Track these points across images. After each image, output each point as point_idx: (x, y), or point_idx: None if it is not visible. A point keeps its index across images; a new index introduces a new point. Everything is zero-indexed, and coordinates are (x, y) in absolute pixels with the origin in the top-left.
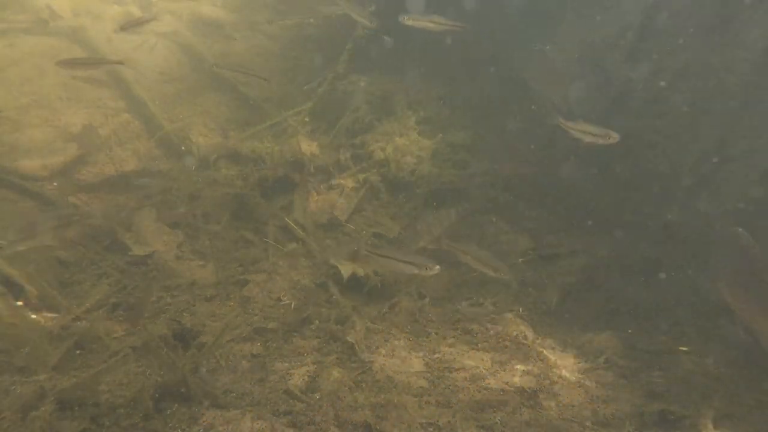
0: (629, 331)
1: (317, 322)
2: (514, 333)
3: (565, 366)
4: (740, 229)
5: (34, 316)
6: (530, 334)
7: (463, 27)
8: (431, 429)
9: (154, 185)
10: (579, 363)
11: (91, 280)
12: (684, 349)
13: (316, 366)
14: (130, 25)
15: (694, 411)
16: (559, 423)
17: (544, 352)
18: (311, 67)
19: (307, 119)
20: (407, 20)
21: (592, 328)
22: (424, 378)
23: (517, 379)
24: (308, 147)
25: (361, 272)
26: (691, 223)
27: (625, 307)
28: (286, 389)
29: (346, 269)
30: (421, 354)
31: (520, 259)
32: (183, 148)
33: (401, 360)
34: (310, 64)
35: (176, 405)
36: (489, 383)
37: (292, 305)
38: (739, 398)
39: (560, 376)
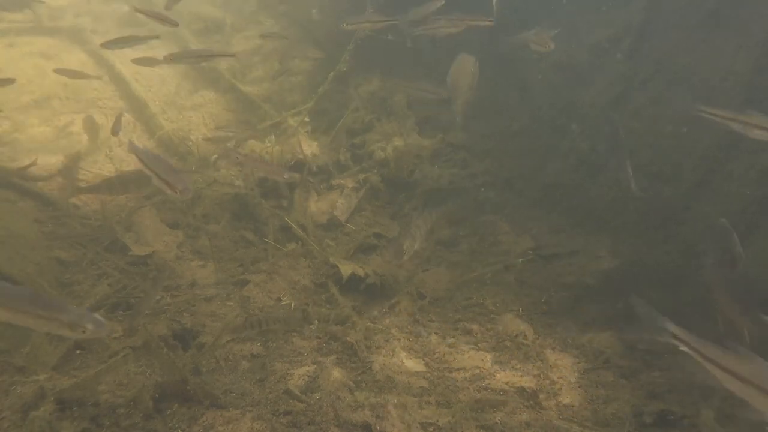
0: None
1: (317, 322)
2: (514, 333)
3: (565, 366)
4: (723, 221)
5: None
6: (530, 334)
7: (397, 20)
8: (431, 429)
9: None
10: (579, 363)
11: (91, 280)
12: (684, 349)
13: (315, 366)
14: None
15: (694, 411)
16: (559, 423)
17: (545, 351)
18: (312, 67)
19: (307, 119)
20: (347, 26)
21: (592, 328)
22: (424, 378)
23: (517, 379)
24: (308, 147)
25: (361, 272)
26: (691, 223)
27: (625, 307)
28: (286, 389)
29: (346, 269)
30: (421, 354)
31: (520, 260)
32: (190, 143)
33: (401, 360)
34: (311, 63)
35: (176, 405)
36: (489, 383)
37: (292, 305)
38: (738, 398)
39: (560, 376)
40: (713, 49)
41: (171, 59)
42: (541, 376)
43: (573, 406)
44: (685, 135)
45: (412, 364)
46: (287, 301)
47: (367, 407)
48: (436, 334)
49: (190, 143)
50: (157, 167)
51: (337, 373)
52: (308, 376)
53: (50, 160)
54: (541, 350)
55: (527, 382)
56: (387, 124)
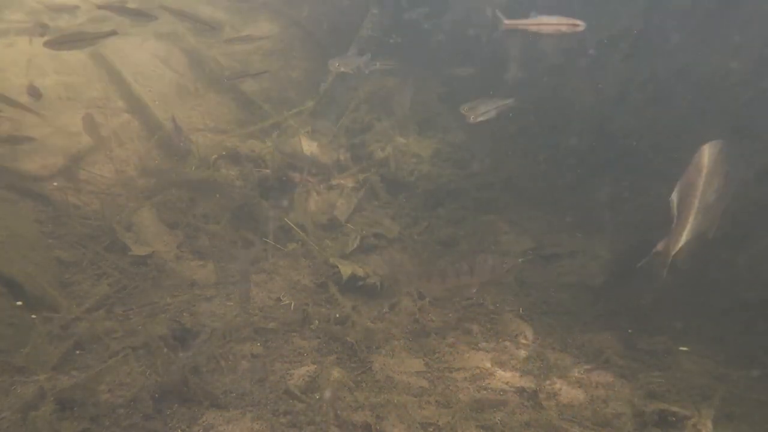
0: (629, 331)
1: (317, 322)
2: (514, 333)
3: (565, 366)
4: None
5: (33, 316)
6: (530, 334)
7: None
8: (431, 429)
9: None
10: (579, 363)
11: (91, 280)
12: (684, 349)
13: (316, 366)
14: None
15: (694, 411)
16: (559, 423)
17: (545, 351)
18: (312, 67)
19: (307, 119)
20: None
21: (592, 328)
22: (424, 378)
23: (517, 379)
24: (308, 147)
25: (360, 272)
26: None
27: (624, 308)
28: (286, 389)
29: (346, 269)
30: (421, 354)
31: (520, 259)
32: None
33: (401, 360)
34: (311, 63)
35: (176, 405)
36: (489, 383)
37: (292, 305)
38: (739, 398)
39: (560, 376)
40: (713, 48)
41: (51, 45)
42: (541, 376)
43: (573, 406)
44: (684, 134)
45: (412, 363)
46: (287, 301)
47: (367, 407)
48: (436, 334)
49: (190, 143)
50: None
51: (337, 373)
52: (308, 376)
53: (50, 160)
54: (541, 350)
55: (527, 382)
56: (387, 124)
